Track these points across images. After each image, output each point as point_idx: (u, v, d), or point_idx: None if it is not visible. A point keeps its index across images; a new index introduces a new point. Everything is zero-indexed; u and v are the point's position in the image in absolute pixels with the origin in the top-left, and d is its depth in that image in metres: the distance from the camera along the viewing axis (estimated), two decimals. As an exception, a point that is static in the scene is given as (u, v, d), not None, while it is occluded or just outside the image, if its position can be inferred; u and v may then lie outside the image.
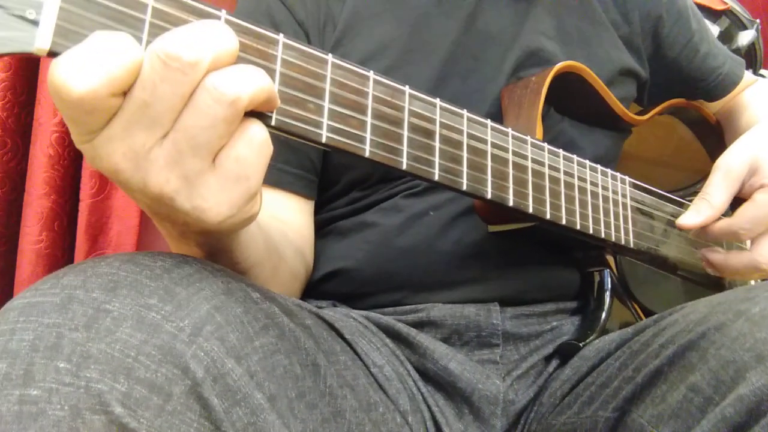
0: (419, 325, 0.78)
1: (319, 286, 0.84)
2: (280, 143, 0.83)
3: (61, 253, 1.03)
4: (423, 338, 0.76)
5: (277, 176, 0.81)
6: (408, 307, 0.79)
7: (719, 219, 0.80)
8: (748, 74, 1.07)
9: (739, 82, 1.05)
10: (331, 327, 0.68)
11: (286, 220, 0.80)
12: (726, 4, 1.50)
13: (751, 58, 1.55)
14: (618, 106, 0.86)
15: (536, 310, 0.80)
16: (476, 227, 0.78)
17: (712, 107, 1.08)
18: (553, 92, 0.77)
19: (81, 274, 0.45)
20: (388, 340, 0.77)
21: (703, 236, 0.83)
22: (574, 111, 0.83)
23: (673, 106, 0.98)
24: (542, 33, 0.86)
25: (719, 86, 1.03)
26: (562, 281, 0.83)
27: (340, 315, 0.75)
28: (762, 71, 1.10)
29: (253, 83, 0.42)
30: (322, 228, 0.86)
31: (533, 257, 0.80)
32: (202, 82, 0.42)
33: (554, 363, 0.79)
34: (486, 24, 0.85)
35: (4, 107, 1.01)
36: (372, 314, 0.79)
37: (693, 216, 0.79)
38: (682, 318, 0.61)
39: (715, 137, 1.06)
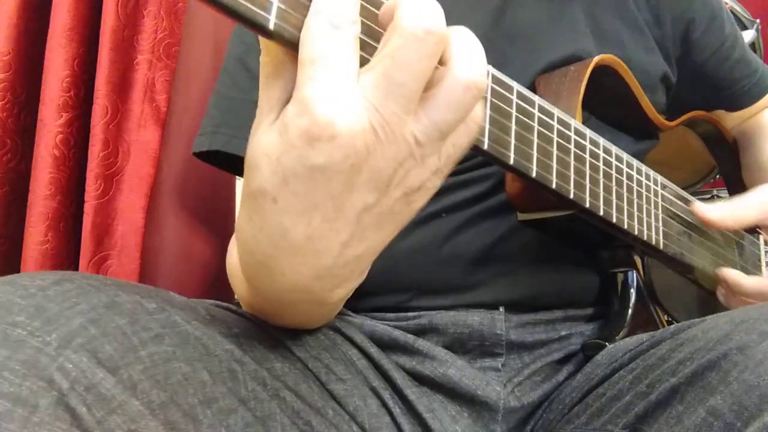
0: (421, 332, 0.76)
1: None
2: None
3: (66, 254, 1.02)
4: (422, 344, 0.74)
5: None
6: (410, 314, 0.77)
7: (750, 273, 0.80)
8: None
9: (763, 96, 1.03)
10: (274, 339, 0.66)
11: None
12: (726, 3, 1.51)
13: (751, 59, 1.56)
14: (651, 110, 0.84)
15: (544, 318, 0.77)
16: (489, 230, 0.76)
17: (728, 122, 1.06)
18: (585, 88, 0.74)
19: None
20: (373, 350, 0.74)
21: (737, 292, 0.82)
22: (604, 111, 0.81)
23: (692, 119, 0.96)
24: (578, 32, 0.84)
25: (744, 96, 1.02)
26: (578, 287, 0.80)
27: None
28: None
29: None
30: None
31: (548, 261, 0.78)
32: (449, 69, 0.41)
33: (565, 371, 0.76)
34: (516, 19, 0.83)
35: (4, 107, 1.00)
36: (367, 321, 0.77)
37: (712, 211, 0.79)
38: (702, 334, 0.58)
39: (729, 154, 1.06)
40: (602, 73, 0.77)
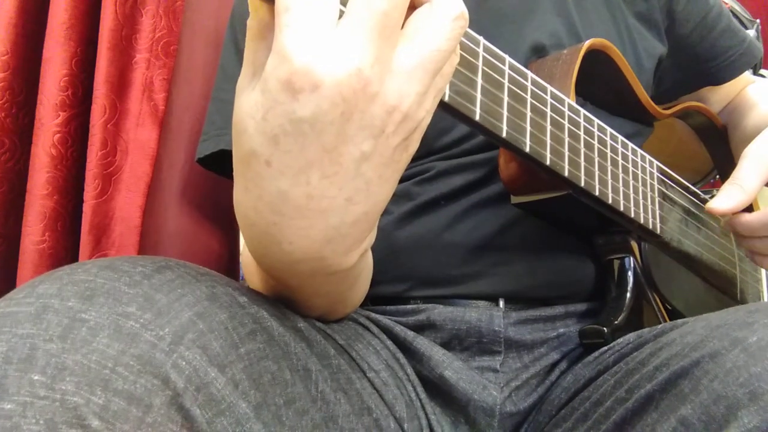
0: (419, 328, 0.75)
1: None
2: None
3: (64, 253, 1.01)
4: (420, 343, 0.73)
5: None
6: (409, 307, 0.77)
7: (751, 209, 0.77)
8: (748, 74, 1.05)
9: (751, 66, 1.02)
10: (324, 331, 0.65)
11: None
12: (726, 3, 1.52)
13: (751, 58, 1.56)
14: (644, 96, 0.84)
15: (543, 314, 0.76)
16: (488, 220, 0.76)
17: (715, 105, 1.05)
18: (579, 72, 0.74)
19: (57, 282, 0.44)
20: (389, 342, 0.74)
21: (738, 227, 0.77)
22: (598, 96, 0.80)
23: (685, 110, 0.95)
24: (561, 13, 0.84)
25: (731, 66, 1.00)
26: (577, 278, 0.79)
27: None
28: (762, 71, 1.09)
29: None
30: None
31: (547, 251, 0.77)
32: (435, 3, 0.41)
33: (557, 371, 0.75)
34: (499, 1, 0.83)
35: (2, 107, 1.00)
36: (372, 315, 0.77)
37: (724, 200, 0.73)
38: (679, 338, 0.57)
39: (720, 141, 1.04)
40: (595, 57, 0.76)
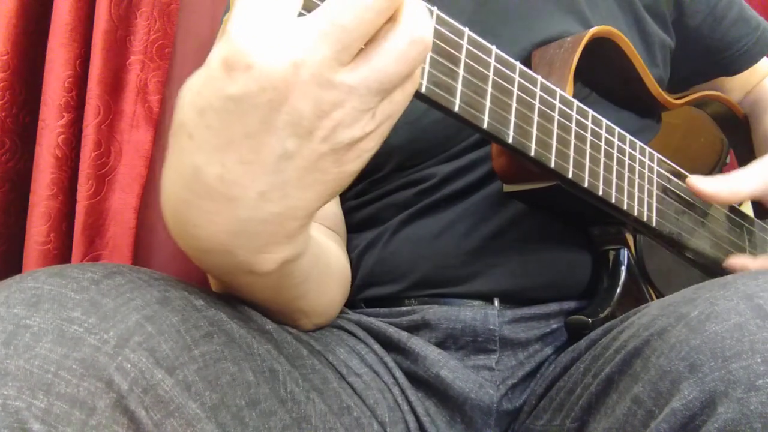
0: (414, 328, 0.74)
1: None
2: None
3: (69, 254, 1.02)
4: (415, 343, 0.72)
5: None
6: (404, 308, 0.76)
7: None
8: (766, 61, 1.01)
9: (766, 54, 0.99)
10: (299, 335, 0.65)
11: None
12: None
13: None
14: (653, 85, 0.81)
15: (537, 312, 0.75)
16: (485, 220, 0.75)
17: (732, 94, 1.02)
18: (584, 61, 0.72)
19: (5, 290, 0.45)
20: (376, 346, 0.73)
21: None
22: (604, 86, 0.78)
23: (700, 99, 0.92)
24: (569, 10, 0.82)
25: (743, 57, 0.97)
26: (572, 277, 0.78)
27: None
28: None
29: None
30: None
31: (544, 251, 0.76)
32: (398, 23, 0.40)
33: (547, 363, 0.74)
34: (500, 1, 0.81)
35: (3, 107, 1.01)
36: (363, 318, 0.76)
37: (708, 185, 0.73)
38: (637, 320, 0.57)
39: (741, 131, 1.01)
40: (602, 45, 0.74)
